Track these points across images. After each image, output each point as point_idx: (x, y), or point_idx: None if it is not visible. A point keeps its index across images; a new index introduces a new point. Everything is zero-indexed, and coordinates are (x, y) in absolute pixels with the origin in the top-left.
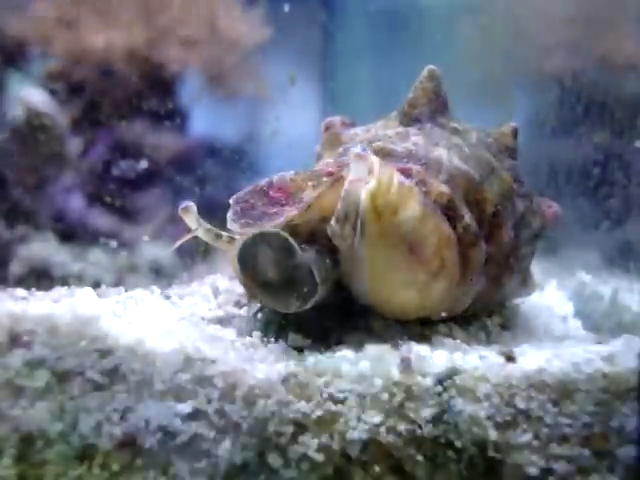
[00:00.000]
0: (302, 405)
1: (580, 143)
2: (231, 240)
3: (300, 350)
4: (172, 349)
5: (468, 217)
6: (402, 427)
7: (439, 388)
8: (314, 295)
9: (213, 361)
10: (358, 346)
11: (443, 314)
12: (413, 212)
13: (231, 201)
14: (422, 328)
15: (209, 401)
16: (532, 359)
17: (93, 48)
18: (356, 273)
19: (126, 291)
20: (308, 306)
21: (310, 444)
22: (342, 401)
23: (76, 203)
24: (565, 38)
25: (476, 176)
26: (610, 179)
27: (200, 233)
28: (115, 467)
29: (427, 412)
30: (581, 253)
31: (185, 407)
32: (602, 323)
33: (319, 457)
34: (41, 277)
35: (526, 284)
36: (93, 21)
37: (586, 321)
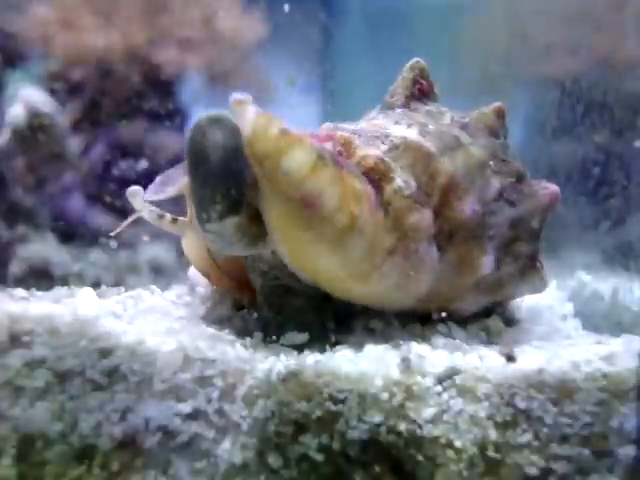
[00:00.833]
0: (302, 405)
1: (580, 143)
2: (174, 221)
3: (300, 350)
4: (172, 349)
5: (401, 181)
6: (402, 427)
7: (439, 388)
8: (238, 208)
9: (213, 361)
10: (358, 346)
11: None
12: (300, 162)
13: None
14: (422, 328)
15: (209, 401)
16: (532, 359)
17: (93, 48)
18: (270, 233)
19: (126, 291)
20: (224, 223)
21: (310, 444)
22: (342, 401)
23: (76, 203)
24: (565, 38)
25: (432, 149)
26: (610, 179)
27: (145, 214)
28: (115, 467)
29: (427, 412)
30: (581, 253)
31: (185, 407)
32: (602, 323)
33: (319, 457)
34: (41, 277)
35: (526, 279)
36: (93, 21)
37: (586, 321)
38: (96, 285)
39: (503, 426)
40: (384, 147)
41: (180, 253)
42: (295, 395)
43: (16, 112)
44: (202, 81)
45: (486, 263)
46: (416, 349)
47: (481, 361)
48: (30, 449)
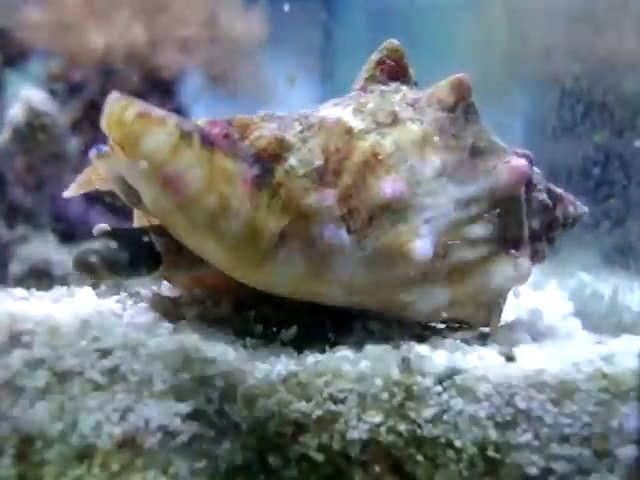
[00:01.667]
0: (302, 405)
1: (580, 143)
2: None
3: (300, 350)
4: (172, 349)
5: (295, 160)
6: (402, 427)
7: (439, 388)
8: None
9: (213, 361)
10: (358, 346)
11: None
12: (158, 144)
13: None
14: (422, 328)
15: (209, 401)
16: (532, 359)
17: (93, 48)
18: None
19: (125, 291)
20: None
21: (310, 444)
22: (342, 401)
23: (76, 203)
24: (565, 38)
25: (356, 126)
26: (610, 179)
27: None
28: (115, 467)
29: (427, 412)
30: (581, 253)
31: (185, 407)
32: (602, 323)
33: (319, 457)
34: (41, 277)
35: (496, 266)
36: (93, 21)
37: (586, 321)
38: (96, 285)
39: (503, 426)
40: (298, 128)
41: None
42: (295, 395)
43: (16, 112)
44: (202, 81)
45: (419, 248)
46: (416, 349)
47: (481, 361)
48: (30, 449)
